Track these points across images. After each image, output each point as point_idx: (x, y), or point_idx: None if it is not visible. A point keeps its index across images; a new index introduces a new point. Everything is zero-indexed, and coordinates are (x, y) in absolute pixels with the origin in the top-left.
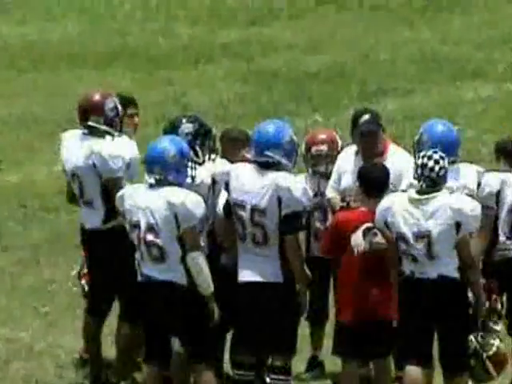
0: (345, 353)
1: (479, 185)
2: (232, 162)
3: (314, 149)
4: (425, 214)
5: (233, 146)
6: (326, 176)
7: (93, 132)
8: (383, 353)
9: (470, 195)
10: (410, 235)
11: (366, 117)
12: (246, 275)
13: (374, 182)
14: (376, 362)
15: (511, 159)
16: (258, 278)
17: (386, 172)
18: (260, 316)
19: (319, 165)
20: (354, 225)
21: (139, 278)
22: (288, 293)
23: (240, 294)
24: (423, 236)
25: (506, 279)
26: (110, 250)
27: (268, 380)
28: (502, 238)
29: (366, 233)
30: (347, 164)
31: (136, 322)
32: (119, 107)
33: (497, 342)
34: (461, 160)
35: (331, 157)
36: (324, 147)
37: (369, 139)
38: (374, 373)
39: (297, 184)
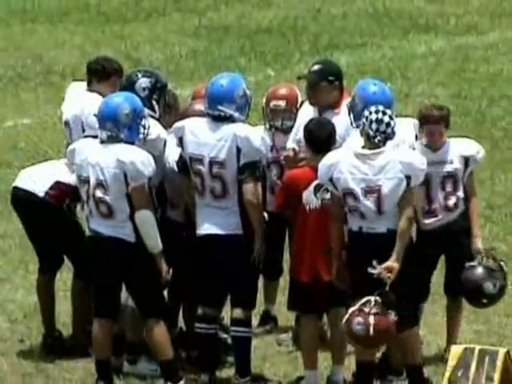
0: (300, 308)
1: (416, 137)
2: None
3: (272, 103)
4: (373, 168)
5: None
6: (282, 131)
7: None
8: (338, 305)
9: (413, 148)
10: (358, 191)
11: (315, 67)
12: (205, 228)
13: (318, 139)
14: (331, 315)
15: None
16: (217, 231)
17: (330, 128)
18: (220, 268)
19: (275, 119)
20: (304, 182)
21: (87, 233)
22: (248, 245)
23: (199, 246)
24: (373, 191)
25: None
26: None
27: (223, 335)
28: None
29: (317, 189)
30: (306, 116)
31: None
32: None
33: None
34: (396, 115)
35: (289, 112)
36: (282, 102)
37: (310, 89)
38: (330, 325)
39: (254, 133)
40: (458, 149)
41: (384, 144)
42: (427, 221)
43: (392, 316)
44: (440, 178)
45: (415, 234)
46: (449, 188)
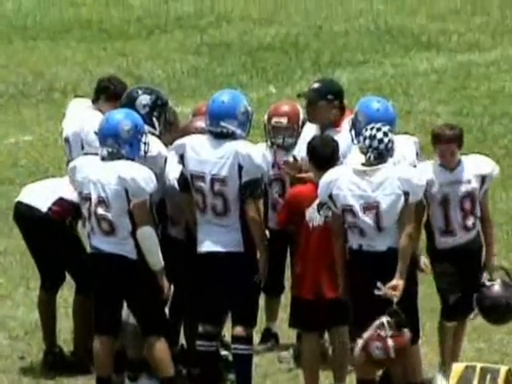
0: (302, 326)
1: (417, 155)
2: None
3: (273, 120)
4: (371, 185)
5: None
6: (283, 148)
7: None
8: (339, 323)
9: (413, 166)
10: (357, 207)
11: (314, 85)
12: (206, 245)
13: (321, 156)
14: (333, 332)
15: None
16: (218, 248)
17: (333, 145)
18: (221, 286)
19: (277, 137)
20: (308, 199)
21: (89, 250)
22: (249, 262)
23: (200, 264)
24: (371, 207)
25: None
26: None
27: (224, 352)
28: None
29: (320, 207)
30: (309, 134)
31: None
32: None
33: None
34: (396, 132)
35: (291, 130)
36: (283, 120)
37: (308, 106)
38: (332, 343)
39: (256, 150)
40: (474, 167)
41: (380, 160)
42: (445, 240)
43: (407, 333)
44: (459, 197)
45: (430, 252)
46: (467, 207)
